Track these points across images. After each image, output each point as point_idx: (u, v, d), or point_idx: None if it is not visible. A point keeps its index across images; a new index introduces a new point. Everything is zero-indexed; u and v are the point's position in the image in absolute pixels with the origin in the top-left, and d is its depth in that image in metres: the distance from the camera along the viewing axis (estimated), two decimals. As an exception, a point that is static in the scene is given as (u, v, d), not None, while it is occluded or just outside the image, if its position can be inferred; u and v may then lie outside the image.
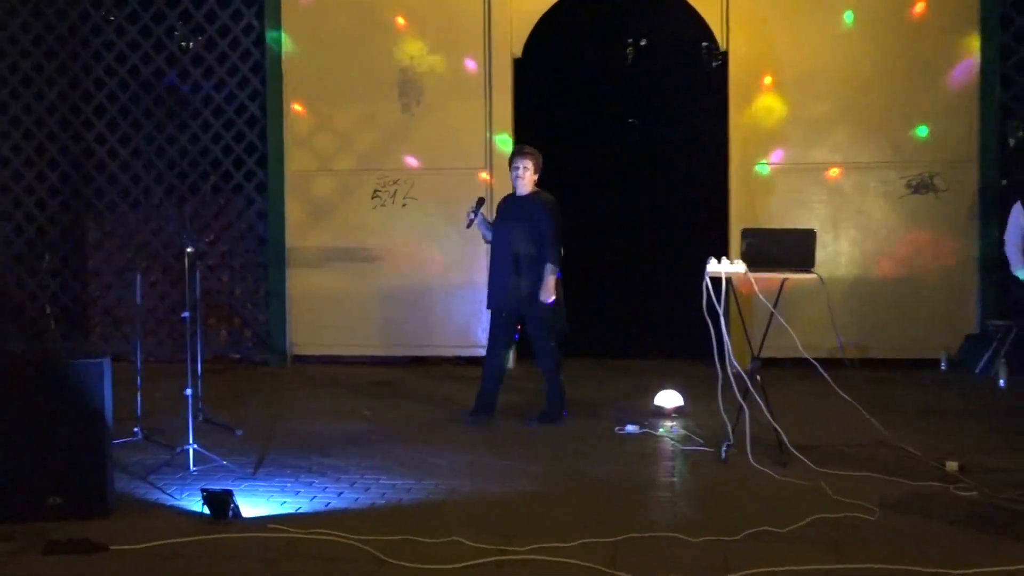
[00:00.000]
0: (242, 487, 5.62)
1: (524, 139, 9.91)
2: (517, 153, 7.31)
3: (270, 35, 10.03)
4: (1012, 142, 9.44)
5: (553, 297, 7.12)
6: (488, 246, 7.53)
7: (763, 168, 9.62)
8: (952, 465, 5.85)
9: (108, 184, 10.38)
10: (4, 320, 10.27)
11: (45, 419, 5.12)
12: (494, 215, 7.47)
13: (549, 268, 7.10)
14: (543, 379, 7.32)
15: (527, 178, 7.20)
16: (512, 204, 7.27)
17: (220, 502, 5.11)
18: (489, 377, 7.31)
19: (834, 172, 9.57)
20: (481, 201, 7.32)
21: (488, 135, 9.80)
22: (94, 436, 5.17)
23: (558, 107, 10.23)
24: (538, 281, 7.09)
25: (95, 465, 5.18)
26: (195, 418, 6.37)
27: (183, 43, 10.18)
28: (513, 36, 9.76)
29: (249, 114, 10.19)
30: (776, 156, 9.63)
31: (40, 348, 8.30)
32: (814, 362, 6.50)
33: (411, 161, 9.95)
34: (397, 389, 8.81)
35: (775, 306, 6.24)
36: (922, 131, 9.45)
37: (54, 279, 10.48)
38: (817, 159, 9.60)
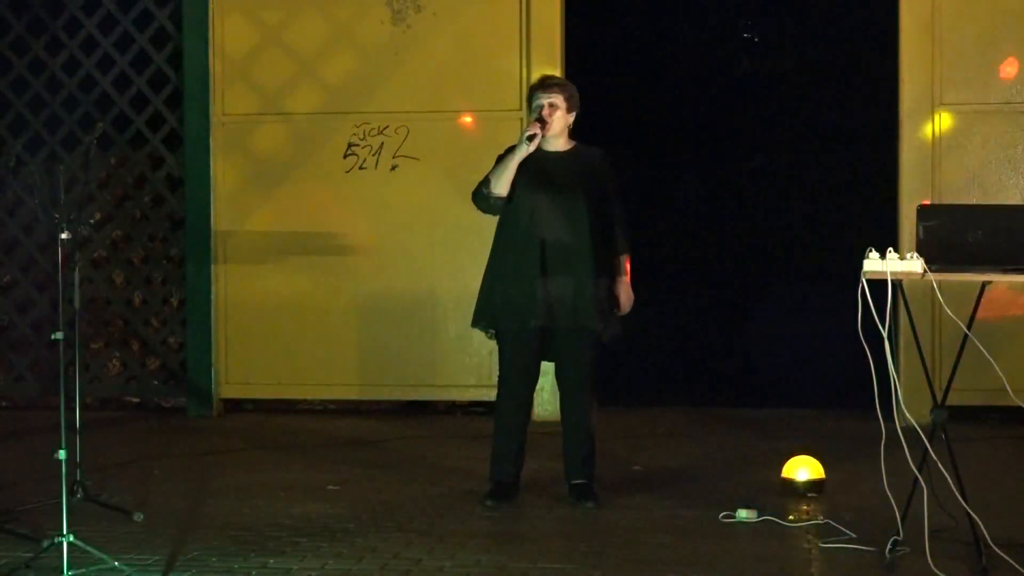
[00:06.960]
0: (144, 601, 5.66)
1: (580, 63, 9.94)
2: (540, 86, 7.27)
3: (189, -98, 10.16)
4: None
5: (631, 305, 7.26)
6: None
7: (952, 110, 9.61)
8: None
9: (-59, 135, 10.51)
10: None
11: None
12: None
13: (625, 260, 7.25)
14: (572, 431, 7.27)
15: (559, 123, 7.21)
16: (542, 165, 7.22)
17: (110, 624, 5.15)
18: (508, 437, 7.28)
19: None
20: (542, 121, 7.21)
21: (524, 58, 9.83)
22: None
23: (629, 16, 10.25)
24: (591, 283, 7.12)
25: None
26: (72, 494, 6.40)
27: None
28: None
29: (156, 27, 10.26)
30: (973, 92, 9.60)
31: None
32: (1031, 413, 6.49)
33: (405, 101, 10.02)
34: (383, 452, 8.86)
35: (970, 326, 6.22)
36: None
37: None
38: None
